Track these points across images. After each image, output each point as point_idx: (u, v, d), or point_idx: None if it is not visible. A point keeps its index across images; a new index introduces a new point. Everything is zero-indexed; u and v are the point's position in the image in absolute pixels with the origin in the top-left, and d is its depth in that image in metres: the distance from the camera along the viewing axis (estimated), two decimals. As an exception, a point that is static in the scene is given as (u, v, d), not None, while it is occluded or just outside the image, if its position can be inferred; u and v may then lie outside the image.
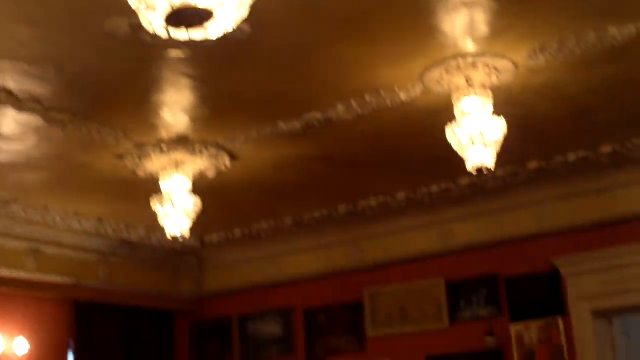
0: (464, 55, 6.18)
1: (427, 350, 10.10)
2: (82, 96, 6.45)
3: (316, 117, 7.15)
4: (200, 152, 7.62)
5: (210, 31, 3.44)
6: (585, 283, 9.31)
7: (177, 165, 7.65)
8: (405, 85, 6.61)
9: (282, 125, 7.32)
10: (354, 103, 6.90)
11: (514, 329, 9.60)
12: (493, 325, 9.68)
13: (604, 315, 9.32)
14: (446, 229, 10.17)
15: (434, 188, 9.69)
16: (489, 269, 9.93)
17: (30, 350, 9.66)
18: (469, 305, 9.99)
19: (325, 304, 10.99)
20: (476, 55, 6.18)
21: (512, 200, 9.72)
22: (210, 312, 11.88)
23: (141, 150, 7.53)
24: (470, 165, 6.54)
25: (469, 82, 6.38)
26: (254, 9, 3.55)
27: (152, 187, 7.86)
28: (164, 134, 7.34)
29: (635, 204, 9.04)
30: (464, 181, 9.48)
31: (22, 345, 9.54)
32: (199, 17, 3.33)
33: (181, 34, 3.45)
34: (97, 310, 10.52)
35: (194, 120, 7.12)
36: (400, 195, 9.88)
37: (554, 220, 9.50)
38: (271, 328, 11.34)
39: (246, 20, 3.73)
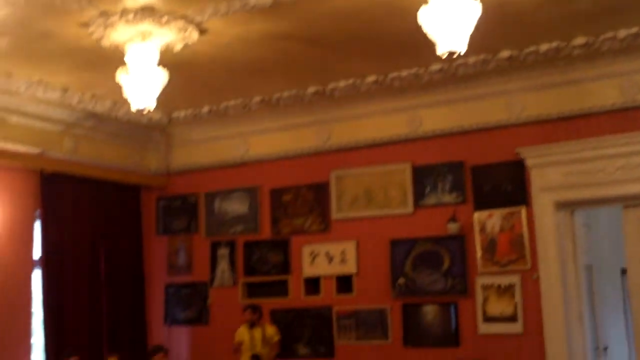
0: None
1: (391, 234, 10.25)
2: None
3: (286, -8, 6.97)
4: (168, 23, 7.43)
5: None
6: (549, 174, 9.40)
7: (143, 36, 7.47)
8: (378, -38, 6.43)
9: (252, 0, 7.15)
10: (325, -22, 6.72)
11: (477, 216, 9.75)
12: (457, 211, 9.82)
13: (566, 206, 9.45)
14: (414, 114, 10.14)
15: (404, 73, 9.60)
16: (456, 156, 9.98)
17: (-5, 218, 9.71)
18: (433, 191, 10.09)
19: (291, 184, 11.05)
20: None
21: (481, 89, 9.67)
22: (177, 188, 11.92)
23: (106, 18, 7.32)
24: (441, 49, 6.44)
25: (443, -38, 6.21)
26: None
27: (117, 58, 7.70)
28: (130, 3, 7.13)
29: (603, 97, 9.04)
30: (435, 67, 9.40)
31: (-13, 213, 9.58)
32: None
33: None
34: (63, 181, 10.48)
35: (161, -11, 6.92)
36: (370, 79, 9.78)
37: (522, 110, 9.50)
38: (237, 206, 11.42)
39: None
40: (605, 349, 10.15)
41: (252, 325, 10.00)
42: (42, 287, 10.14)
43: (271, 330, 9.82)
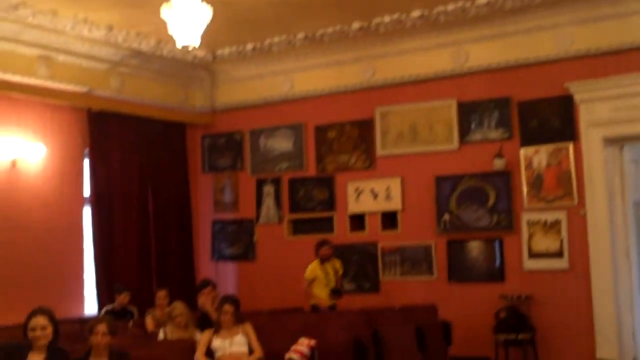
0: None
1: (436, 170, 10.24)
2: None
3: None
4: (211, -41, 7.39)
5: None
6: (598, 109, 9.26)
7: (187, -28, 7.43)
8: None
9: None
10: None
11: (524, 152, 9.67)
12: (503, 147, 9.74)
13: (614, 142, 9.32)
14: (460, 49, 10.00)
15: (450, 7, 9.43)
16: (502, 91, 9.86)
17: (46, 156, 9.86)
18: (479, 127, 10.01)
19: (335, 120, 11.04)
20: None
21: (529, 23, 9.48)
22: (222, 126, 11.99)
23: (150, -45, 7.31)
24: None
25: None
26: None
27: (161, -6, 7.69)
28: (172, -62, 7.08)
29: (656, 30, 8.83)
30: (482, 0, 9.23)
31: (39, 150, 9.73)
32: None
33: None
34: (110, 119, 10.62)
35: None
36: (415, 13, 9.63)
37: (571, 44, 9.31)
38: (282, 143, 11.46)
39: None
40: (653, 285, 10.08)
41: (325, 260, 9.61)
42: (92, 224, 10.37)
43: (338, 264, 9.72)
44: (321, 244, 9.59)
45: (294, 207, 11.30)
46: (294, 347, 7.61)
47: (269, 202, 11.50)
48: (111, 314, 8.91)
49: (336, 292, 9.49)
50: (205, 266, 11.85)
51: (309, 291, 9.38)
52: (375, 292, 10.50)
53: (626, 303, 9.28)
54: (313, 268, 9.46)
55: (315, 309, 9.32)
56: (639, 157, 10.09)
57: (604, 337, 9.06)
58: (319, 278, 9.39)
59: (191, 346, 6.71)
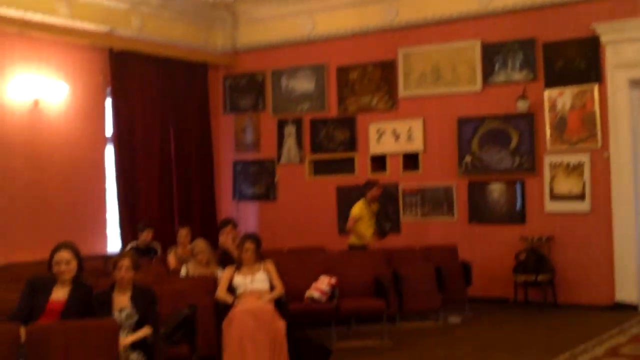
0: None
1: (458, 112, 10.18)
2: None
3: None
4: None
5: None
6: (625, 51, 9.13)
7: None
8: None
9: None
10: None
11: (548, 94, 9.58)
12: (526, 89, 9.65)
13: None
14: (485, -12, 9.87)
15: (477, -56, 9.28)
16: (527, 32, 9.72)
17: (68, 96, 9.89)
18: (503, 69, 9.90)
19: (358, 61, 10.96)
20: None
21: (556, -40, 9.32)
22: (243, 66, 11.94)
23: None
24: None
25: None
26: None
27: None
28: None
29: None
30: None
31: (61, 89, 9.75)
32: None
33: None
34: (132, 59, 10.60)
35: None
36: (441, -49, 9.49)
37: (599, -17, 9.15)
38: (304, 84, 11.41)
39: None
40: (675, 228, 10.04)
41: (373, 201, 9.35)
42: (115, 163, 10.44)
43: (375, 206, 9.63)
44: (372, 184, 9.40)
45: (315, 147, 11.31)
46: (314, 285, 7.71)
47: (290, 142, 11.52)
48: (135, 251, 9.02)
49: (382, 233, 9.48)
50: (227, 206, 11.95)
51: (354, 229, 9.23)
52: (396, 232, 10.52)
53: (647, 246, 9.27)
54: (361, 207, 9.26)
55: (353, 248, 9.27)
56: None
57: (623, 279, 9.07)
58: (364, 217, 9.25)
59: (213, 283, 6.78)
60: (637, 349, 6.84)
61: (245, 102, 11.93)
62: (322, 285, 7.66)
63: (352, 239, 9.30)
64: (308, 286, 7.69)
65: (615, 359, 6.50)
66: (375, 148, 10.80)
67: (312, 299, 7.59)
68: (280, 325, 6.32)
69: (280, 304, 6.59)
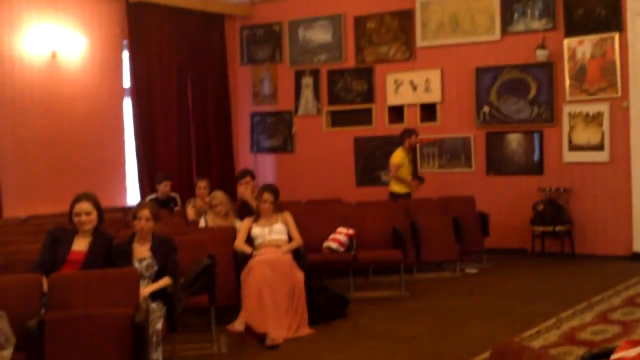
0: None
1: (476, 61, 10.09)
2: None
3: None
4: None
5: None
6: (647, -2, 8.97)
7: None
8: None
9: None
10: None
11: (567, 43, 9.46)
12: (546, 38, 9.53)
13: (661, 32, 9.10)
14: None
15: None
16: (547, -20, 9.58)
17: (86, 47, 9.88)
18: (522, 17, 9.78)
19: (375, 11, 10.85)
20: None
21: None
22: (260, 17, 11.85)
23: None
24: None
25: None
26: None
27: None
28: None
29: None
30: None
31: (78, 41, 9.75)
32: None
33: None
34: (148, 10, 10.55)
35: None
36: None
37: None
38: (321, 34, 11.33)
39: None
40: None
41: (411, 149, 9.48)
42: (133, 115, 10.47)
43: (411, 155, 9.70)
44: (410, 132, 9.44)
45: (333, 99, 11.27)
46: (332, 236, 7.76)
47: (307, 93, 11.48)
48: (154, 202, 9.08)
49: (422, 178, 9.66)
50: (245, 158, 11.97)
51: (397, 176, 9.30)
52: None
53: (666, 196, 9.23)
54: (401, 155, 9.29)
55: (395, 197, 9.31)
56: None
57: (642, 230, 9.06)
58: (405, 165, 9.32)
59: (232, 234, 6.84)
60: (654, 298, 6.86)
61: (263, 53, 11.88)
62: (339, 236, 7.70)
63: (394, 187, 9.38)
64: (326, 237, 7.74)
65: (632, 308, 6.52)
66: (393, 99, 10.75)
67: (330, 250, 7.65)
68: (299, 275, 6.39)
69: (298, 255, 6.66)
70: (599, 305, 6.64)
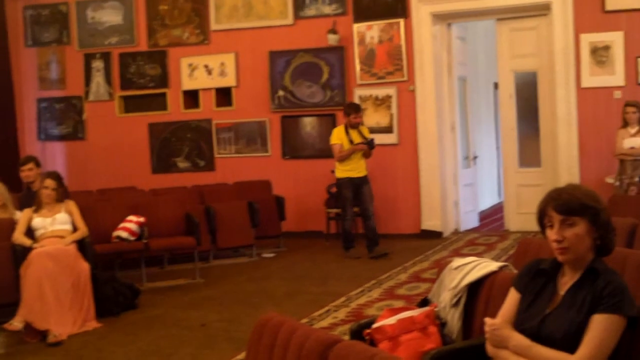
0: None
1: (270, 45, 10.09)
2: None
3: None
4: None
5: None
6: (429, -15, 9.34)
7: None
8: None
9: None
10: None
11: (357, 27, 9.66)
12: (337, 23, 9.69)
13: (442, 18, 9.52)
14: None
15: None
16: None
17: None
18: (314, 2, 9.88)
19: (167, -7, 10.59)
20: None
21: None
22: (46, -3, 11.22)
23: None
24: None
25: None
26: None
27: None
28: None
29: None
30: None
31: None
32: None
33: None
34: None
35: None
36: None
37: None
38: (111, 16, 10.88)
39: None
40: (475, 157, 10.54)
41: (352, 127, 8.26)
42: None
43: (366, 130, 8.46)
44: (354, 108, 8.31)
45: (126, 83, 10.87)
46: (122, 225, 7.47)
47: (98, 78, 11.01)
48: None
49: (369, 143, 8.23)
50: (31, 146, 11.28)
51: (344, 155, 8.19)
52: (210, 170, 10.41)
53: (450, 176, 9.69)
54: (338, 133, 8.34)
55: (340, 184, 8.42)
56: (465, 34, 10.36)
57: (429, 209, 9.45)
58: (345, 145, 8.24)
59: (10, 226, 6.39)
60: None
61: (49, 35, 11.24)
62: (129, 224, 7.44)
63: (339, 172, 8.41)
64: (116, 227, 7.45)
65: (417, 283, 6.78)
66: (188, 83, 10.53)
67: (120, 239, 7.37)
68: (84, 267, 6.09)
69: (83, 246, 6.34)
70: (387, 282, 6.86)
